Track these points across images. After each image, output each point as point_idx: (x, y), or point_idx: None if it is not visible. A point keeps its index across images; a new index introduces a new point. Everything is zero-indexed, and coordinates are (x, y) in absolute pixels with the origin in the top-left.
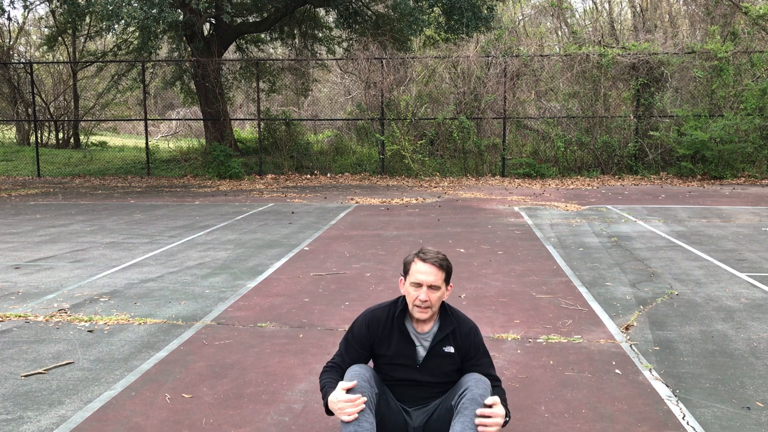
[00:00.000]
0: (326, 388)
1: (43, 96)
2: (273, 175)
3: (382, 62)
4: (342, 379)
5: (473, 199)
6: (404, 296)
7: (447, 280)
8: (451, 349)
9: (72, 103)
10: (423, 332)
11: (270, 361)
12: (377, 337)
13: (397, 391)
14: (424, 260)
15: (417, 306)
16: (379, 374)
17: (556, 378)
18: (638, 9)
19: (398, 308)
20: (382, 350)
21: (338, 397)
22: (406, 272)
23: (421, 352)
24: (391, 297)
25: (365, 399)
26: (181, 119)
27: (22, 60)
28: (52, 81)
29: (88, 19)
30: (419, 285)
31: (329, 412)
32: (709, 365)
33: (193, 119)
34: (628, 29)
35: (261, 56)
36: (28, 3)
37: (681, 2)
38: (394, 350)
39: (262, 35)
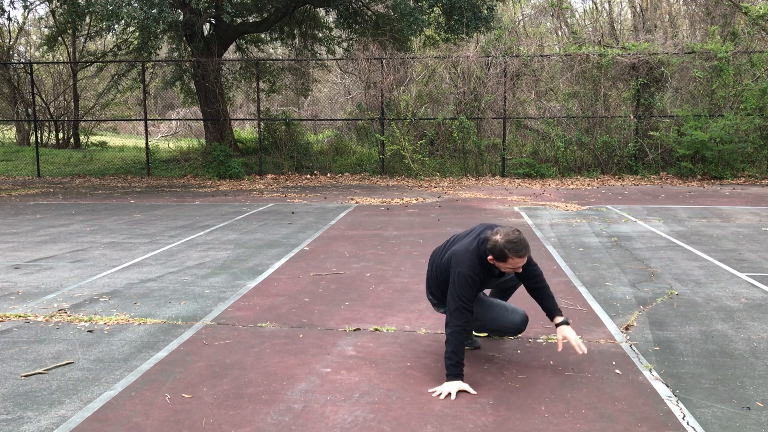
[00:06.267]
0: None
1: (43, 96)
2: (273, 175)
3: (382, 62)
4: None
5: (473, 199)
6: (481, 251)
7: None
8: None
9: (72, 103)
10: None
11: (270, 361)
12: (482, 279)
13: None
14: (521, 256)
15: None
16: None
17: (556, 378)
18: (638, 9)
19: (484, 260)
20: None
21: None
22: (497, 258)
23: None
24: (391, 297)
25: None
26: (181, 119)
27: (22, 60)
28: (52, 81)
29: (88, 19)
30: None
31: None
32: (709, 365)
33: (193, 119)
34: (628, 29)
35: (261, 56)
36: (28, 3)
37: (681, 2)
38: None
39: (262, 35)
